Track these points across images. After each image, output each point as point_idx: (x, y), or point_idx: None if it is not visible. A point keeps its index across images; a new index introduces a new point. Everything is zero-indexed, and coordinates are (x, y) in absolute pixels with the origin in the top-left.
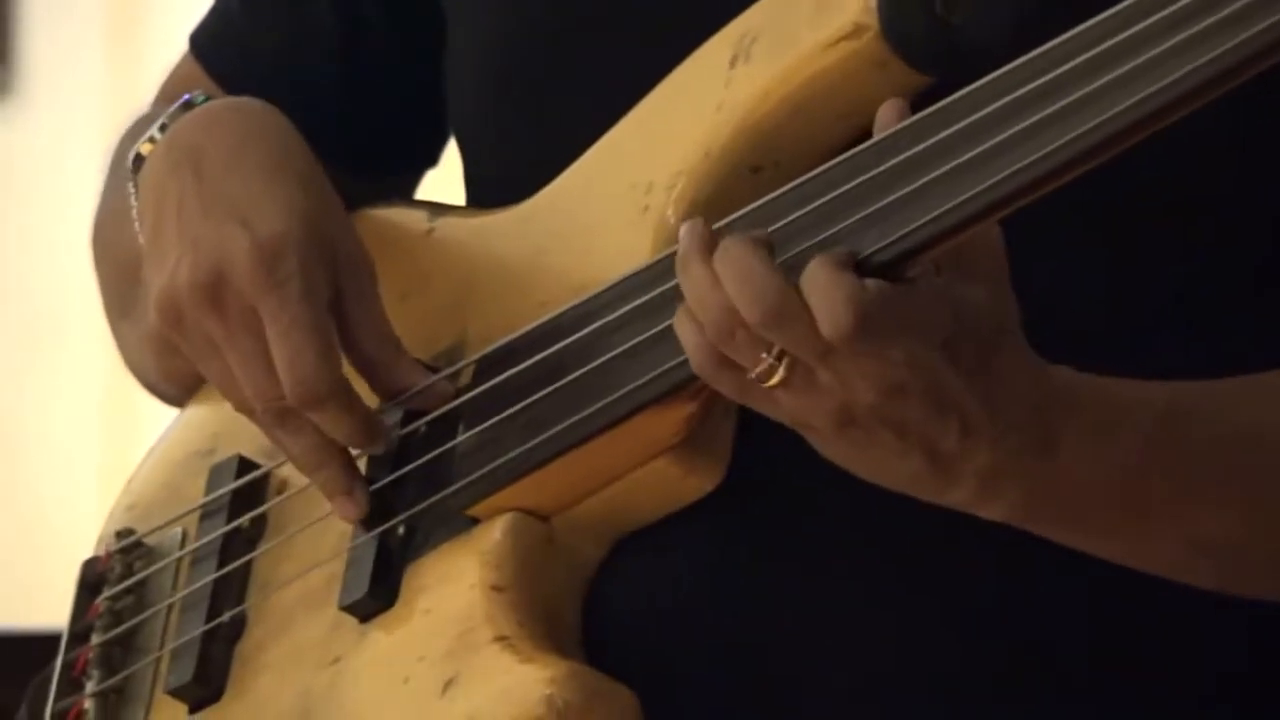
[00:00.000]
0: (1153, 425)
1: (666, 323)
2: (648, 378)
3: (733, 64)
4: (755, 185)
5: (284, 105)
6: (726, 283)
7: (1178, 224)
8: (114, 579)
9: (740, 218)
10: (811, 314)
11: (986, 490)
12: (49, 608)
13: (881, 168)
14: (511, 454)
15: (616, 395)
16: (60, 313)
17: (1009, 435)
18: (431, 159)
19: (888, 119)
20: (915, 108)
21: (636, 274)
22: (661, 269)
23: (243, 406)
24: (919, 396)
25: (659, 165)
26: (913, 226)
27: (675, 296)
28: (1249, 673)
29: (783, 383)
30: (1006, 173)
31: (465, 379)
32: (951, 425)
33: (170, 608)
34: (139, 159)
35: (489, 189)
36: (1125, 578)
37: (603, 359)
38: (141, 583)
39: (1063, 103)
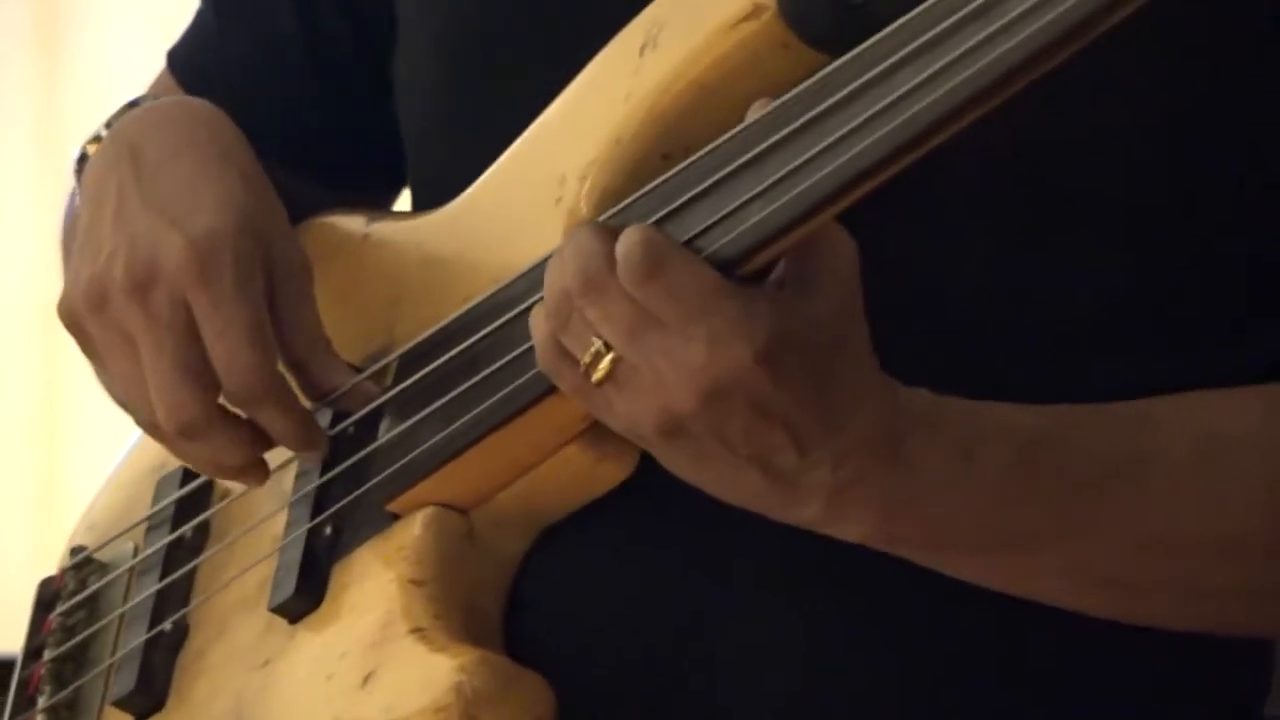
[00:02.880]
0: (1021, 450)
1: None
2: None
3: (642, 52)
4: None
5: (256, 118)
6: (565, 261)
7: (1130, 233)
8: (67, 595)
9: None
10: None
11: (835, 509)
12: None
13: (729, 168)
14: (424, 447)
15: (518, 383)
16: None
17: (852, 454)
18: (403, 176)
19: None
20: None
21: (540, 265)
22: None
23: (142, 416)
24: (740, 404)
25: (572, 157)
26: (741, 229)
27: None
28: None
29: (609, 376)
30: (816, 178)
31: (389, 378)
32: (781, 439)
33: (119, 620)
34: (84, 158)
35: (433, 191)
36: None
37: (507, 350)
38: (93, 597)
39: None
